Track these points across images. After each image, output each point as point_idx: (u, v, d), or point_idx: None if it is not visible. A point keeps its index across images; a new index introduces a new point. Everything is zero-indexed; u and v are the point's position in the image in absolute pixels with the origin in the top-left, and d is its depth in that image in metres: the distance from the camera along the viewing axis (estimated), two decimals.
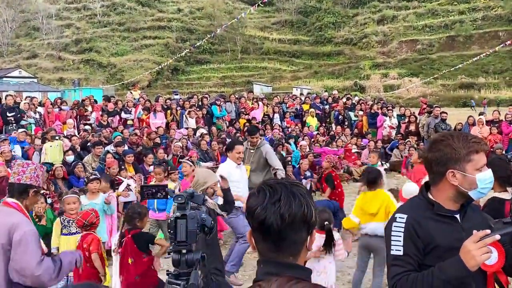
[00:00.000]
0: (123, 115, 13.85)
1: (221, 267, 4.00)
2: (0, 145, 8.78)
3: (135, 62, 58.59)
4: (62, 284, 4.24)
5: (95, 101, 15.34)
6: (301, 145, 12.46)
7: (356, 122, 15.83)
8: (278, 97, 18.26)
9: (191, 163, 7.60)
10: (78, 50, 61.51)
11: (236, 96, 16.52)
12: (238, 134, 12.75)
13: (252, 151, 6.76)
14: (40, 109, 13.50)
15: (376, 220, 4.71)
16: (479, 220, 2.12)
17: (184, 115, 13.71)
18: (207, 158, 10.87)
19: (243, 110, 15.35)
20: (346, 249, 4.42)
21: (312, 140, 13.50)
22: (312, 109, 15.99)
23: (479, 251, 1.74)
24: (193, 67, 60.89)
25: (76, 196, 5.33)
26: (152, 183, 7.15)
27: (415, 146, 12.77)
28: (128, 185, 7.89)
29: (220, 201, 4.56)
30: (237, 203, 5.04)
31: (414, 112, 15.87)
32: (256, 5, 31.56)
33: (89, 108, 14.28)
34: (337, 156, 12.21)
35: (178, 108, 14.27)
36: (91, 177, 6.14)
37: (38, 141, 10.44)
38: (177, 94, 20.81)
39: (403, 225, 2.04)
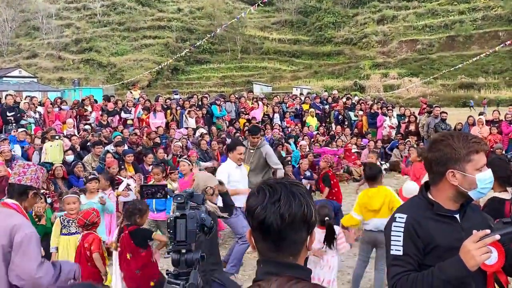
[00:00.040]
0: (123, 114, 13.85)
1: (218, 262, 4.03)
2: (0, 144, 8.78)
3: (135, 61, 58.59)
4: None
5: (95, 101, 15.34)
6: (301, 145, 12.46)
7: (356, 122, 15.83)
8: (278, 97, 18.26)
9: (189, 162, 7.65)
10: (78, 50, 61.50)
11: (236, 96, 16.52)
12: (238, 134, 12.74)
13: (252, 151, 6.76)
14: (40, 108, 13.51)
15: (379, 217, 4.68)
16: (479, 220, 2.11)
17: (184, 115, 13.71)
18: (207, 158, 10.87)
19: (243, 110, 15.35)
20: (348, 242, 4.44)
21: (312, 140, 13.50)
22: (312, 109, 15.99)
23: (479, 251, 1.74)
24: (193, 67, 60.89)
25: (76, 196, 5.33)
26: (151, 183, 7.15)
27: (415, 146, 12.77)
28: (128, 184, 7.89)
29: (220, 202, 4.56)
30: (237, 203, 5.03)
31: (414, 112, 15.87)
32: (256, 5, 31.57)
33: (89, 108, 14.28)
34: (337, 156, 12.22)
35: (178, 108, 14.28)
36: (89, 177, 6.19)
37: (38, 141, 10.45)
38: (177, 94, 20.80)
39: (402, 225, 2.04)
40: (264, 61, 59.82)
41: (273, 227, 1.30)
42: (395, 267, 2.00)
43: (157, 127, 12.40)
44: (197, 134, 12.41)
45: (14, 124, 11.79)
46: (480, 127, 13.32)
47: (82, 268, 4.37)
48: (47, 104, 13.55)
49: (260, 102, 16.05)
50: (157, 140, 11.46)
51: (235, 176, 5.75)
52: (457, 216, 2.06)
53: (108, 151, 9.56)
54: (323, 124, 15.94)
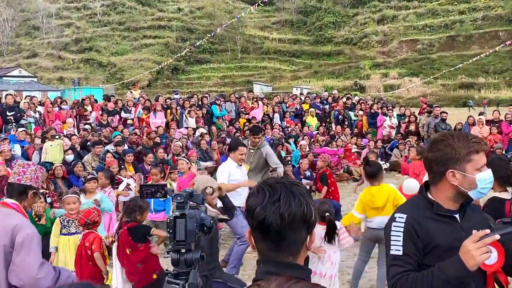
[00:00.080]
0: (123, 114, 13.85)
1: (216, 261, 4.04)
2: (0, 144, 8.78)
3: (135, 61, 58.58)
4: None
5: (95, 101, 15.35)
6: (301, 145, 12.46)
7: (356, 122, 15.83)
8: (278, 96, 18.26)
9: (187, 160, 7.69)
10: (78, 50, 61.48)
11: (236, 96, 16.53)
12: (238, 134, 12.74)
13: (252, 151, 6.77)
14: (40, 108, 13.52)
15: (384, 214, 4.62)
16: (478, 220, 2.11)
17: (184, 115, 13.71)
18: (207, 158, 10.87)
19: (243, 109, 15.35)
20: (352, 236, 4.43)
21: (312, 139, 13.50)
22: (312, 109, 15.99)
23: (479, 251, 1.74)
24: (193, 67, 60.88)
25: (76, 196, 5.33)
26: (151, 183, 7.16)
27: (415, 146, 12.76)
28: (128, 184, 7.89)
29: (220, 203, 4.56)
30: (236, 203, 5.03)
31: (414, 112, 15.87)
32: (256, 4, 31.51)
33: (89, 108, 14.28)
34: (337, 156, 12.22)
35: (178, 107, 14.28)
36: (88, 177, 6.21)
37: (38, 140, 10.45)
38: (177, 94, 20.80)
39: (402, 225, 2.04)
40: (264, 61, 59.81)
41: (273, 227, 1.30)
42: (395, 267, 2.00)
43: (157, 127, 12.40)
44: (197, 134, 12.41)
45: (14, 124, 11.80)
46: (480, 127, 13.32)
47: (83, 267, 4.39)
48: (47, 103, 13.56)
49: (260, 102, 16.05)
50: (157, 140, 11.46)
51: (235, 175, 5.76)
52: (457, 216, 2.06)
53: (108, 151, 9.56)
54: (323, 124, 15.94)
